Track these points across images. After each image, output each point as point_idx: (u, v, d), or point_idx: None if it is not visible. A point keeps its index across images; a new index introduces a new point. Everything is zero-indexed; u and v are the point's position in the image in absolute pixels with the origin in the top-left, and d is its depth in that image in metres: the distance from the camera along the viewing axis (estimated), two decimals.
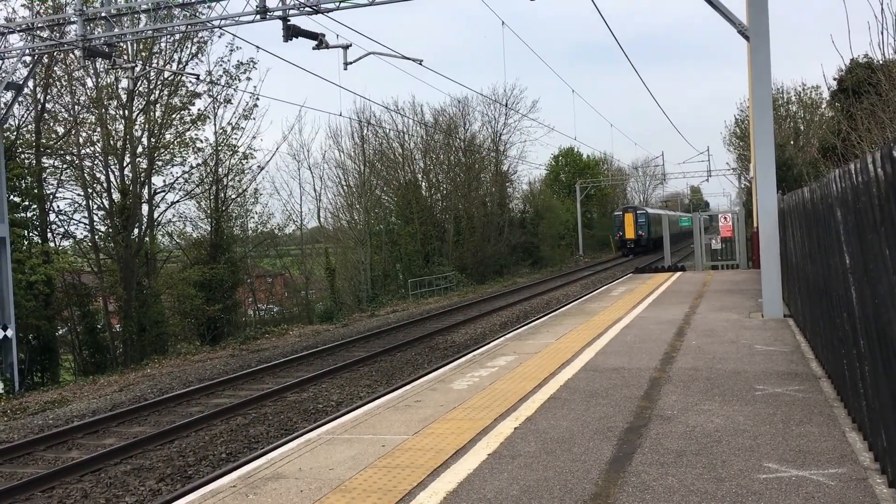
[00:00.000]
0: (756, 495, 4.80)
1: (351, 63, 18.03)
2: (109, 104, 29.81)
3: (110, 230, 29.62)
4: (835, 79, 24.63)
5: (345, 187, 45.65)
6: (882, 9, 11.88)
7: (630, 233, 58.85)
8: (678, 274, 25.73)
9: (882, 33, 10.85)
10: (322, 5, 16.36)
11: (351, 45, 17.90)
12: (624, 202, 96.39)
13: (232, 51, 37.14)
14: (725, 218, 27.96)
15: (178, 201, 32.99)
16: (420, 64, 20.01)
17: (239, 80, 33.38)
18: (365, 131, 45.77)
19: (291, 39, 16.39)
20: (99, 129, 29.44)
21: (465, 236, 46.69)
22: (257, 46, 48.24)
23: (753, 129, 13.56)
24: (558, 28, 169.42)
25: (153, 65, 30.21)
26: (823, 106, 40.27)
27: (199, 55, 31.69)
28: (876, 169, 4.47)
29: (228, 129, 33.97)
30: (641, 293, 18.99)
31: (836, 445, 5.67)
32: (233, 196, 35.39)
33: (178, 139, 31.89)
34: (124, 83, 29.55)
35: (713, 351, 9.93)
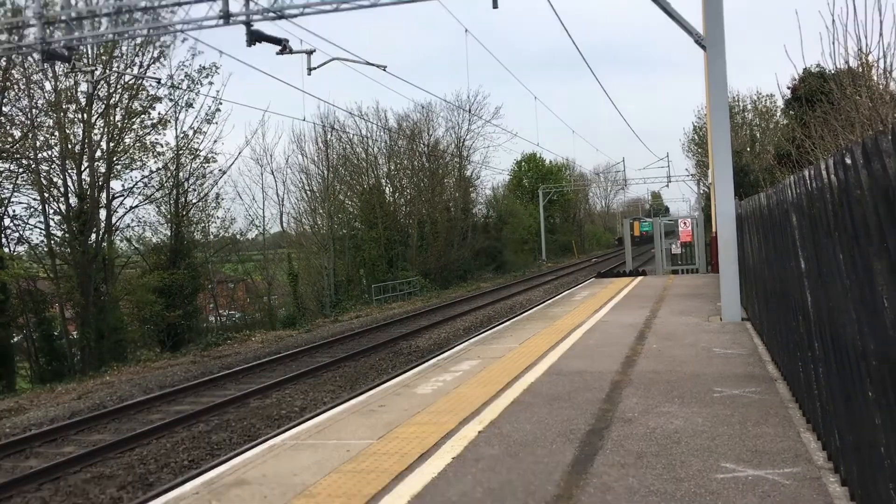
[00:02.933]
0: (714, 495, 4.89)
1: (315, 68, 17.96)
2: (68, 108, 29.32)
3: (67, 235, 29.10)
4: (789, 88, 25.14)
5: (308, 192, 45.47)
6: (833, 20, 12.17)
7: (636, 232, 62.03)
8: (639, 278, 26.02)
9: (833, 44, 11.11)
10: (286, 11, 16.28)
11: (315, 51, 17.84)
12: (586, 207, 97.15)
13: (194, 55, 36.75)
14: (685, 223, 28.34)
15: (137, 206, 32.60)
16: (384, 70, 20.02)
17: (201, 84, 33.12)
18: (329, 136, 45.70)
19: (255, 44, 16.28)
20: (57, 133, 28.94)
21: (429, 241, 46.72)
22: (220, 51, 47.82)
23: (711, 136, 13.80)
24: (522, 37, 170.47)
25: (114, 68, 29.77)
26: (778, 114, 41.10)
27: (161, 59, 31.40)
28: (829, 175, 4.59)
29: (190, 133, 33.69)
30: (603, 297, 19.17)
31: (792, 446, 5.79)
32: (194, 200, 35.05)
33: (138, 143, 31.49)
34: (84, 87, 29.12)
35: (673, 354, 10.06)
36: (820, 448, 5.64)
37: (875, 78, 11.43)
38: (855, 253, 3.98)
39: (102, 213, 30.43)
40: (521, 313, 19.89)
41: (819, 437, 5.75)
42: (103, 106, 30.00)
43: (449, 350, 13.52)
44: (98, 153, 30.06)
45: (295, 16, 16.19)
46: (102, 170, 30.17)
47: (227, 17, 16.43)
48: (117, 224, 31.85)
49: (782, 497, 4.79)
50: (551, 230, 76.10)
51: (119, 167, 30.99)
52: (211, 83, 34.97)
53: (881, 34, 10.15)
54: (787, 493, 4.84)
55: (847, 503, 4.62)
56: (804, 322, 6.03)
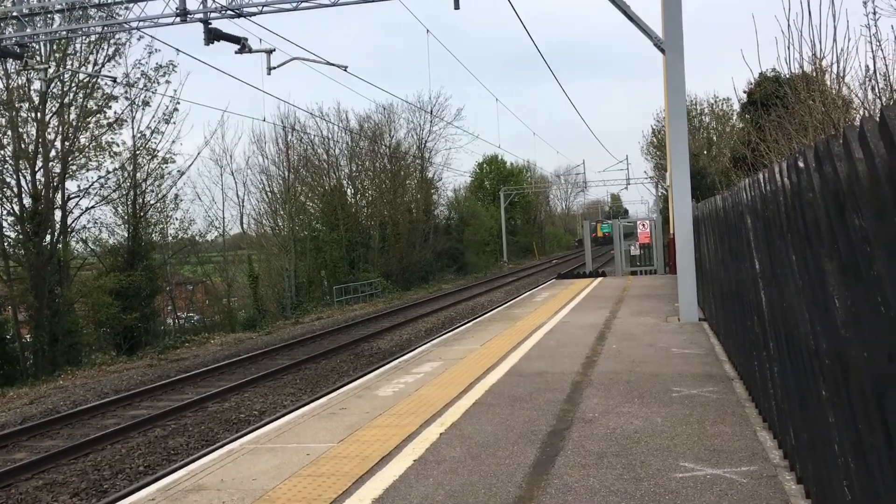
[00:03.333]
0: (672, 494, 4.94)
1: (275, 68, 17.82)
2: (21, 107, 28.68)
3: (20, 237, 28.45)
4: (745, 91, 25.54)
5: (269, 193, 45.08)
6: (788, 25, 12.40)
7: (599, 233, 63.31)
8: (599, 279, 26.26)
9: (788, 48, 11.31)
10: (244, 9, 16.12)
11: (275, 50, 17.70)
12: (547, 209, 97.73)
13: (151, 53, 36.22)
14: (644, 225, 28.67)
15: (93, 207, 32.00)
16: (345, 70, 19.92)
17: (158, 83, 32.64)
18: (289, 137, 45.36)
19: (213, 43, 16.10)
20: (9, 133, 28.29)
21: (391, 243, 46.63)
22: (177, 49, 47.24)
23: (669, 139, 13.98)
24: (484, 38, 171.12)
25: (68, 66, 29.20)
26: (734, 117, 41.75)
27: (117, 57, 30.88)
28: (783, 178, 4.67)
29: (147, 132, 33.17)
30: (564, 298, 19.30)
31: (748, 444, 5.88)
32: (151, 201, 34.53)
33: (94, 143, 30.93)
34: (37, 85, 28.50)
35: (632, 354, 10.16)
36: (776, 446, 5.74)
37: (828, 83, 11.67)
38: (807, 254, 4.05)
39: (57, 214, 29.83)
40: (483, 314, 19.94)
41: (775, 435, 5.85)
42: (57, 104, 29.40)
43: (411, 352, 13.50)
44: (52, 153, 29.46)
45: (254, 14, 16.04)
46: (57, 170, 29.56)
47: (184, 14, 16.22)
48: (73, 225, 31.26)
49: (739, 495, 4.85)
50: (512, 232, 76.46)
51: (74, 167, 30.41)
52: (168, 82, 34.47)
53: (835, 39, 10.36)
54: (744, 492, 4.91)
55: (803, 500, 4.70)
56: (759, 322, 6.13)
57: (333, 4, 16.00)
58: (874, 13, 10.00)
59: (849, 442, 3.46)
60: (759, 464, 5.42)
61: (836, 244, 3.45)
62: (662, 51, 13.40)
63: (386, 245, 46.52)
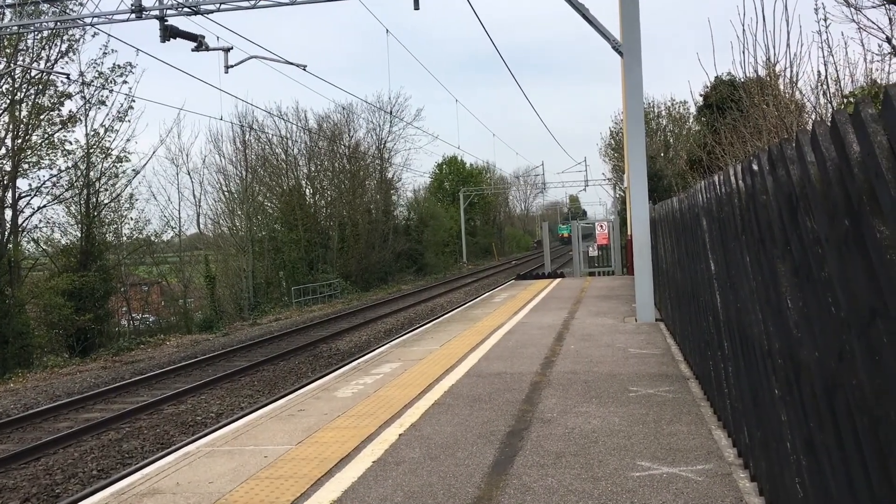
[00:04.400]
0: (630, 493, 4.99)
1: (232, 66, 17.63)
2: None
3: None
4: (701, 95, 25.93)
5: (226, 193, 44.57)
6: (744, 30, 12.64)
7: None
8: (558, 280, 26.45)
9: (744, 53, 11.55)
10: (201, 6, 15.91)
11: (232, 48, 17.50)
12: (506, 210, 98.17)
13: (106, 54, 35.65)
14: (601, 226, 28.95)
15: (45, 206, 31.29)
16: (304, 69, 19.79)
17: (115, 82, 32.05)
18: (247, 136, 44.91)
19: (169, 40, 15.86)
20: None
21: (350, 243, 46.44)
22: (137, 49, 46.34)
23: (627, 142, 14.13)
24: (444, 40, 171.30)
25: (19, 62, 28.53)
26: (691, 120, 42.33)
27: (70, 54, 30.22)
28: (737, 181, 4.75)
29: (101, 131, 32.55)
30: (523, 299, 19.40)
31: (704, 443, 5.97)
32: (105, 201, 33.89)
33: (47, 140, 30.26)
34: None
35: (590, 355, 10.25)
36: (730, 445, 5.83)
37: (781, 87, 11.92)
38: (761, 256, 4.13)
39: (8, 214, 29.13)
40: (443, 315, 19.97)
41: (729, 434, 5.94)
42: (8, 101, 28.70)
43: (370, 353, 13.45)
44: (3, 151, 28.75)
45: (211, 11, 15.85)
46: (8, 168, 28.87)
47: (139, 11, 15.96)
48: (24, 225, 30.54)
49: (695, 493, 4.92)
50: (472, 233, 76.66)
51: (26, 165, 29.71)
52: (125, 82, 33.77)
53: (788, 45, 10.60)
54: (700, 490, 4.98)
55: (756, 498, 4.79)
56: (714, 322, 6.23)
57: (292, 3, 15.87)
58: (825, 20, 10.24)
59: (800, 440, 3.53)
60: (715, 462, 5.51)
61: (789, 246, 3.52)
62: (620, 53, 13.55)
63: (345, 246, 46.32)
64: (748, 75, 12.90)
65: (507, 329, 13.53)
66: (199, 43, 16.52)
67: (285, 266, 43.31)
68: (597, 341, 11.46)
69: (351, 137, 51.09)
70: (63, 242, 32.57)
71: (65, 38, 29.52)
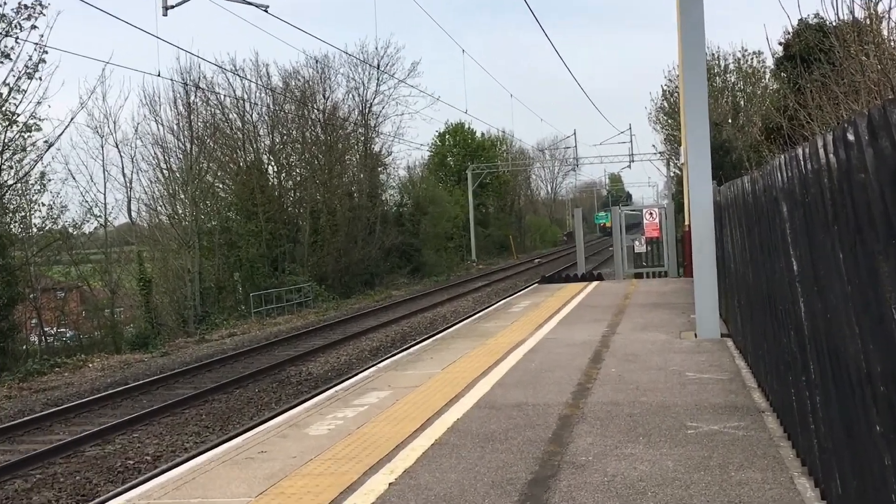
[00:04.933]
0: None
1: (173, 7, 17.64)
2: None
3: None
4: (780, 43, 25.91)
5: (165, 171, 44.61)
6: None
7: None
8: (594, 284, 26.44)
9: None
10: None
11: None
12: (528, 193, 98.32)
13: None
14: (651, 214, 28.93)
15: None
16: (266, 11, 19.79)
17: (20, 27, 32.05)
18: (192, 98, 44.91)
19: None
20: None
21: (326, 236, 46.46)
22: None
23: (684, 104, 14.10)
24: None
25: None
26: (767, 77, 42.29)
27: None
28: (827, 155, 4.73)
29: (4, 91, 32.58)
30: (549, 308, 19.40)
31: (783, 494, 5.96)
32: (10, 181, 33.95)
33: None
34: None
35: (636, 380, 10.25)
36: (818, 497, 5.82)
37: (885, 33, 11.87)
38: (858, 251, 4.11)
39: None
40: (445, 329, 19.96)
41: (817, 482, 5.93)
42: None
43: (352, 378, 13.45)
44: None
45: None
46: None
47: None
48: None
49: None
50: (483, 222, 76.66)
51: None
52: (34, 27, 33.82)
53: None
54: None
55: None
56: (797, 338, 6.21)
57: None
58: None
59: None
60: None
61: (895, 239, 3.50)
62: None
63: (319, 239, 46.33)
64: (841, 18, 12.87)
65: (529, 347, 13.53)
66: None
67: (242, 266, 43.33)
68: (645, 363, 11.45)
69: (327, 99, 51.17)
70: None
71: None
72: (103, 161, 47.79)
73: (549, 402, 9.34)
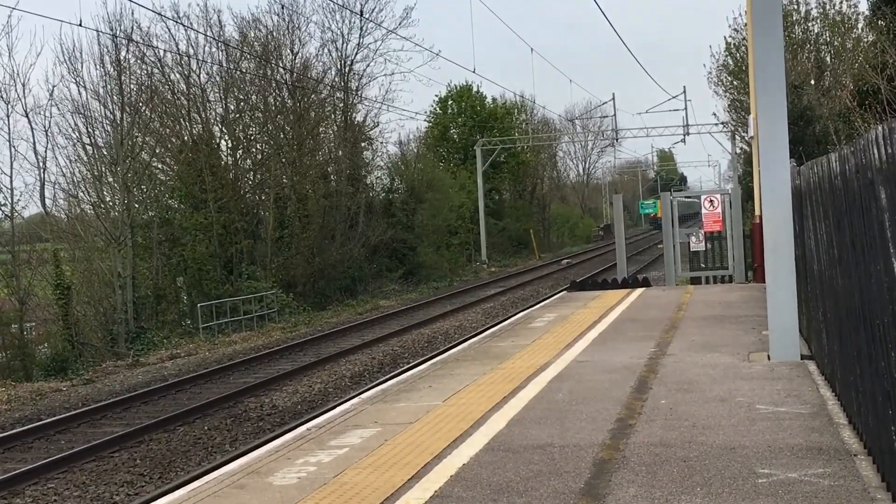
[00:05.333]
0: None
1: None
2: None
3: None
4: None
5: (89, 148, 44.54)
6: None
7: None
8: (639, 291, 26.41)
9: None
10: None
11: None
12: (553, 175, 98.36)
13: None
14: (712, 201, 28.86)
15: None
16: None
17: None
18: (123, 53, 44.85)
19: None
20: None
21: (295, 231, 46.44)
22: None
23: (754, 62, 14.08)
24: None
25: None
26: (860, 26, 42.22)
27: None
28: None
29: None
30: (581, 323, 19.39)
31: None
32: None
33: None
34: None
35: (693, 415, 10.23)
36: None
37: None
38: None
39: None
40: (448, 350, 19.95)
41: None
42: None
43: (328, 412, 13.45)
44: None
45: None
46: None
47: None
48: None
49: None
50: (496, 213, 76.59)
51: None
52: None
53: None
54: None
55: None
56: None
57: None
58: None
59: None
60: None
61: None
62: None
63: (286, 234, 46.33)
64: None
65: (556, 373, 13.52)
66: None
67: (187, 268, 43.30)
68: (703, 393, 11.44)
69: (295, 55, 51.12)
70: None
71: None
72: (9, 134, 47.67)
73: (581, 442, 9.32)
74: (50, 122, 45.03)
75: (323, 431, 10.87)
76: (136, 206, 43.83)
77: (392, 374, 21.20)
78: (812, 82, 40.80)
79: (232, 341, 33.55)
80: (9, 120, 44.40)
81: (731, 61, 48.55)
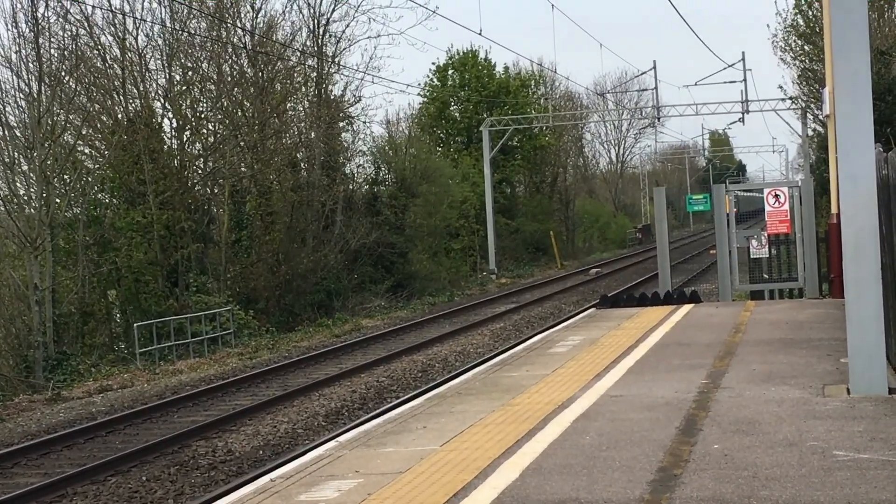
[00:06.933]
0: None
1: None
2: None
3: None
4: None
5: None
6: None
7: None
8: (686, 308, 26.42)
9: None
10: None
11: None
12: (580, 163, 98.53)
13: None
14: (777, 196, 28.86)
15: None
16: None
17: None
18: (42, 10, 44.91)
19: None
20: None
21: (255, 232, 46.53)
22: None
23: (829, 23, 14.09)
24: None
25: None
26: None
27: None
28: None
29: None
30: (614, 348, 19.40)
31: None
32: None
33: None
34: None
35: (754, 463, 10.23)
36: None
37: None
38: None
39: None
40: (447, 381, 19.95)
41: None
42: None
43: (296, 458, 13.44)
44: None
45: None
46: None
47: None
48: None
49: None
50: (508, 210, 76.61)
51: None
52: None
53: None
54: None
55: None
56: None
57: None
58: None
59: None
60: None
61: None
62: None
63: (245, 237, 46.39)
64: None
65: (581, 410, 13.53)
66: None
67: (121, 279, 43.37)
68: (767, 436, 11.44)
69: (257, 12, 51.20)
70: None
71: None
72: None
73: (614, 497, 9.32)
74: None
75: (290, 483, 10.86)
76: (58, 200, 43.78)
77: (377, 411, 21.17)
78: None
79: (177, 370, 33.49)
80: None
81: (801, 20, 48.68)
